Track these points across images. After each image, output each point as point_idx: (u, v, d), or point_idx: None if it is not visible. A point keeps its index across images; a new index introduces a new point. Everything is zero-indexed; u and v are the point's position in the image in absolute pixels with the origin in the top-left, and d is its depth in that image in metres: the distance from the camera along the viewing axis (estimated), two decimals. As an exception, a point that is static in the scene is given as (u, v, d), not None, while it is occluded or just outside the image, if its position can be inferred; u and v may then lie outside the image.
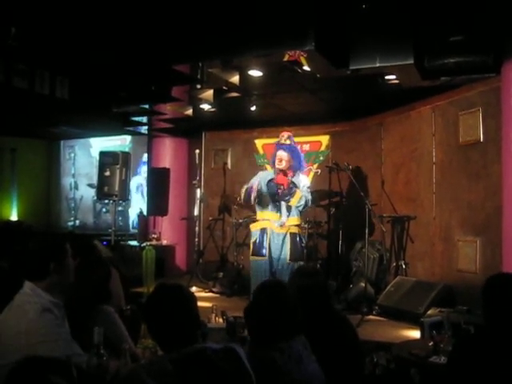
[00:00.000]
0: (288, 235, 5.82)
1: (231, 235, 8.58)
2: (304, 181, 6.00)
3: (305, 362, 2.43)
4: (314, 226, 7.51)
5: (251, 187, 5.81)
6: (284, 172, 5.90)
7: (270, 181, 5.95)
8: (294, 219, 5.89)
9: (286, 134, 6.00)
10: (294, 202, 5.81)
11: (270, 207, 5.94)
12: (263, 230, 5.91)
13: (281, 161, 5.86)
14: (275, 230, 5.85)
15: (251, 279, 6.07)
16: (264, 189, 5.91)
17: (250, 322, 2.54)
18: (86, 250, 2.72)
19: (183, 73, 6.28)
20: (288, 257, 5.78)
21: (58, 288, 2.47)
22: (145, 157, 10.55)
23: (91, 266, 2.97)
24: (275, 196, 5.89)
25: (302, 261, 5.91)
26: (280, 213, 5.87)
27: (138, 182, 10.65)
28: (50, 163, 11.90)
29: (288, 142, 5.93)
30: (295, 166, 5.96)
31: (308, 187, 5.98)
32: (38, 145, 11.65)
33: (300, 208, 5.87)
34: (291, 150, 5.91)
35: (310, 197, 5.91)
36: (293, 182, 5.86)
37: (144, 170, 10.52)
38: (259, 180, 5.90)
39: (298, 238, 5.88)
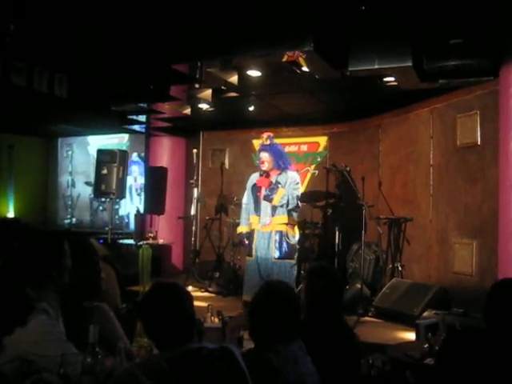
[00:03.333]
0: (273, 233, 5.84)
1: (228, 235, 8.58)
2: (292, 177, 5.97)
3: (300, 362, 2.42)
4: (310, 227, 7.51)
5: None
6: (267, 173, 5.94)
7: (254, 185, 6.06)
8: (280, 218, 5.86)
9: (265, 135, 6.05)
10: (275, 201, 5.80)
11: (253, 211, 6.05)
12: (252, 230, 6.02)
13: (263, 162, 5.93)
14: (260, 229, 5.92)
15: (244, 279, 6.19)
16: (250, 193, 6.08)
17: (252, 321, 2.53)
18: (76, 248, 2.70)
19: (182, 72, 6.28)
20: (273, 255, 5.80)
21: (53, 288, 2.47)
22: (134, 156, 10.48)
23: (81, 264, 2.95)
24: (257, 199, 5.96)
25: (292, 259, 5.90)
26: (260, 215, 5.93)
27: (129, 182, 10.56)
28: (48, 161, 11.88)
29: (267, 142, 5.97)
30: (280, 165, 5.96)
31: (297, 183, 5.96)
32: (35, 142, 11.63)
33: (284, 206, 5.83)
34: (271, 149, 5.95)
35: (296, 193, 5.89)
36: (276, 182, 5.87)
37: (134, 169, 10.45)
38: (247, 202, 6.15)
39: (283, 236, 5.85)
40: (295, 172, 6.27)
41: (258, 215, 5.94)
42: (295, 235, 5.99)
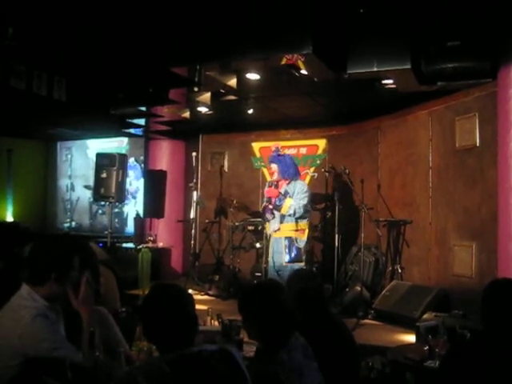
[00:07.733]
0: (282, 239, 6.07)
1: (227, 238, 8.58)
2: (299, 186, 6.14)
3: (305, 373, 2.41)
4: (310, 230, 7.51)
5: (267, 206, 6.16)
6: (276, 184, 6.14)
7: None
8: (289, 225, 6.08)
9: (273, 147, 6.42)
10: (283, 210, 6.02)
11: (265, 218, 6.28)
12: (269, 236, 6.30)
13: (273, 173, 6.19)
14: (273, 235, 6.14)
15: None
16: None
17: (244, 323, 2.53)
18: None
19: (181, 75, 6.28)
20: (284, 259, 6.01)
21: (56, 296, 2.46)
22: (131, 160, 10.40)
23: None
24: (266, 207, 6.17)
25: (301, 262, 6.06)
26: (270, 221, 6.16)
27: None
28: (47, 164, 11.87)
29: (275, 153, 6.21)
30: (290, 174, 6.15)
31: (304, 191, 6.10)
32: (34, 146, 11.63)
33: (292, 216, 6.03)
34: (279, 160, 6.17)
35: (303, 202, 6.04)
36: (285, 192, 6.05)
37: (130, 174, 10.36)
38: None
39: (292, 241, 6.06)
40: (303, 181, 6.47)
41: (268, 221, 6.20)
42: (303, 239, 6.17)
